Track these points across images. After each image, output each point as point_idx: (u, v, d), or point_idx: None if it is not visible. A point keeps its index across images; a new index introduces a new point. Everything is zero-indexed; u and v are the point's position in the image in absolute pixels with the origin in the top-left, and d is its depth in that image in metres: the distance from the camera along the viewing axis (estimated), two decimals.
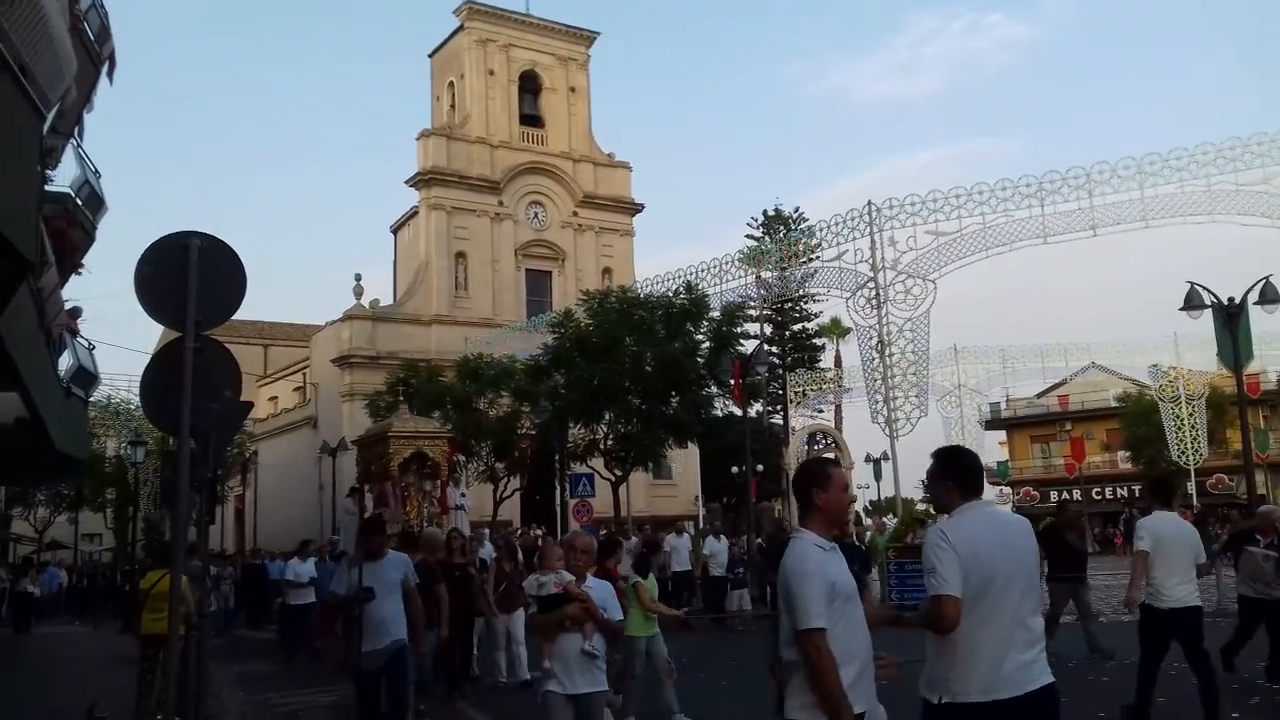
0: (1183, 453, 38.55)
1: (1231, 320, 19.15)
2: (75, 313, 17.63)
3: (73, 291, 18.60)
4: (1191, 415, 38.30)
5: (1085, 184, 22.84)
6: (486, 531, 20.40)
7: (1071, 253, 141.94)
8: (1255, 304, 19.40)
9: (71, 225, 15.89)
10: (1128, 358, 41.20)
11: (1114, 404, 52.89)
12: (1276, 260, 21.17)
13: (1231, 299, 19.17)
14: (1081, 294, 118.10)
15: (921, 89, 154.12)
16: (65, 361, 16.35)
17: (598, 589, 6.14)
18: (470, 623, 11.78)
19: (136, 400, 37.15)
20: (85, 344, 17.79)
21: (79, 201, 16.21)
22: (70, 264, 17.33)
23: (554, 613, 5.92)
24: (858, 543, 20.49)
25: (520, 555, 15.03)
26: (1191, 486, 39.08)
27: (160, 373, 6.72)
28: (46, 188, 14.79)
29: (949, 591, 3.95)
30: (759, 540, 23.52)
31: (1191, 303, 19.63)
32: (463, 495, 21.85)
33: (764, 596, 20.74)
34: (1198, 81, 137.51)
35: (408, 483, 19.76)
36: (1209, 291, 19.48)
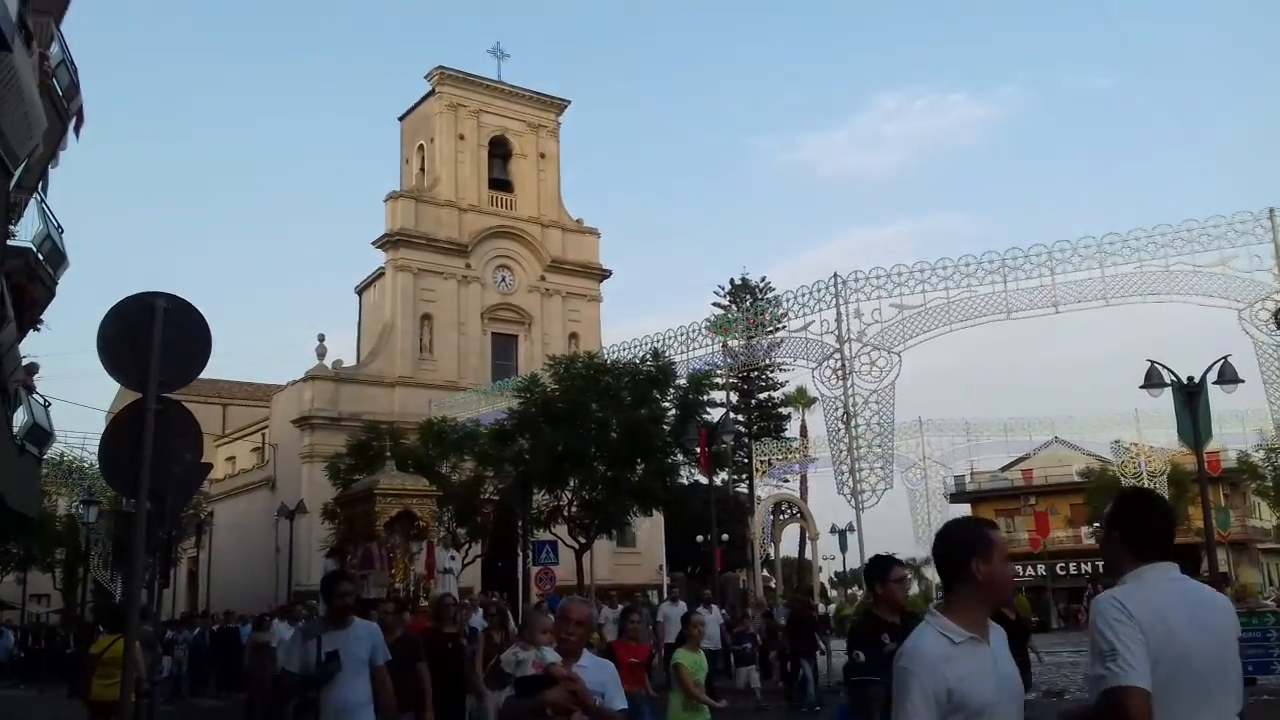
0: None
1: (1191, 399, 19.39)
2: (32, 369, 17.41)
3: (30, 347, 18.27)
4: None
5: (1047, 261, 23.17)
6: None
7: (1035, 328, 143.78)
8: (1214, 383, 19.68)
9: (32, 280, 15.73)
10: (1090, 433, 41.61)
11: (1077, 479, 53.23)
12: (1235, 340, 21.51)
13: (1191, 378, 19.43)
14: (1045, 369, 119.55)
15: (885, 164, 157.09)
16: (20, 418, 16.07)
17: (594, 670, 4.91)
18: (461, 703, 10.12)
19: (90, 458, 36.58)
20: (41, 400, 17.50)
21: (40, 256, 16.07)
22: (29, 319, 17.13)
23: (532, 698, 4.69)
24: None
25: (512, 624, 13.39)
26: None
27: (120, 435, 6.57)
28: (9, 242, 14.66)
29: (1136, 682, 2.92)
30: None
31: (1151, 381, 19.88)
32: (451, 558, 20.59)
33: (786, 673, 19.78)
34: (1156, 164, 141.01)
35: (393, 543, 18.63)
36: (1169, 370, 19.73)
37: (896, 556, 7.66)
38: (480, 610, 15.78)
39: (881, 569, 7.00)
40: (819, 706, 17.35)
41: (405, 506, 18.79)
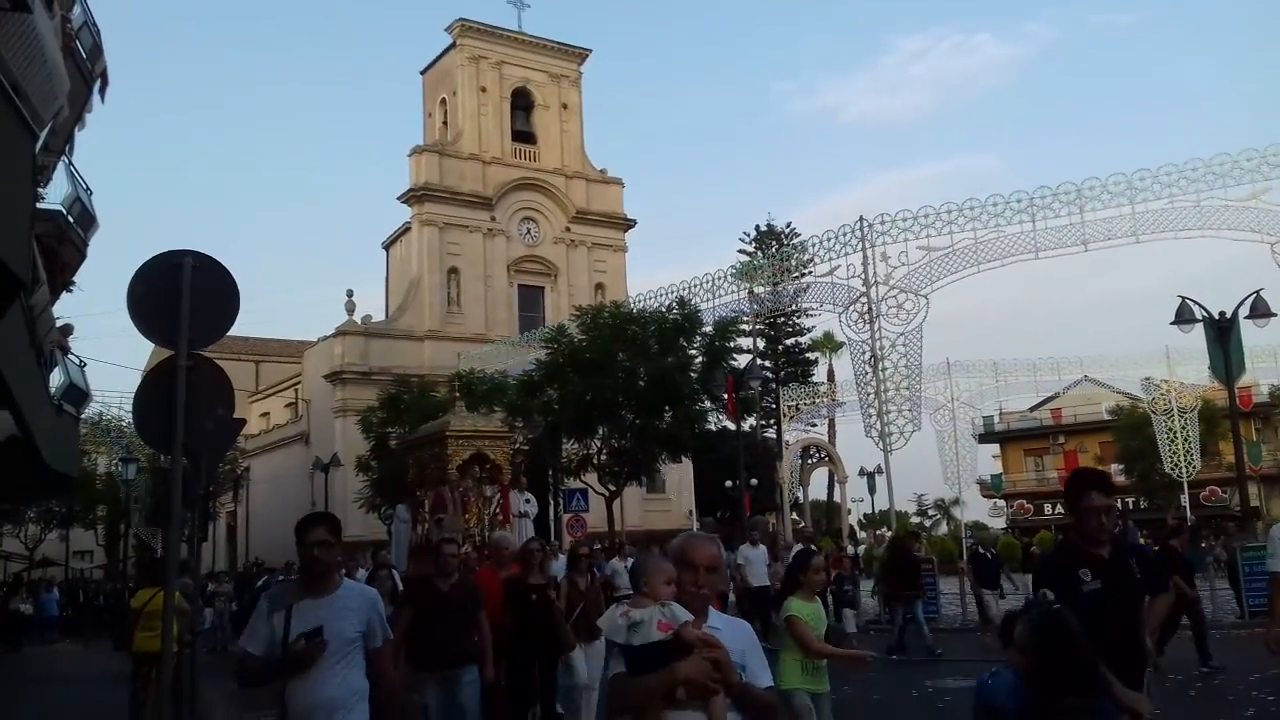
0: (1175, 465, 38.59)
1: (1223, 334, 19.26)
2: (67, 330, 17.65)
3: (64, 309, 18.54)
4: (1184, 428, 38.35)
5: (1076, 199, 22.91)
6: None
7: (1063, 267, 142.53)
8: (1246, 318, 19.51)
9: (63, 243, 15.93)
10: (1120, 371, 41.26)
11: (1107, 417, 53.00)
12: (1267, 274, 21.27)
13: (1223, 313, 19.26)
14: (1074, 307, 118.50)
15: (911, 107, 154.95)
16: (57, 379, 16.35)
17: (729, 634, 3.55)
18: (553, 661, 8.89)
19: (128, 417, 37.16)
20: (76, 361, 17.79)
21: (70, 219, 16.26)
22: (61, 281, 17.37)
23: (658, 673, 3.30)
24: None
25: (595, 571, 11.83)
26: (1185, 499, 39.16)
27: (153, 391, 6.70)
28: (38, 205, 14.82)
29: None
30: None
31: (1182, 317, 19.73)
32: (527, 501, 18.94)
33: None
34: (1185, 99, 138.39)
35: (466, 487, 17.44)
36: (1200, 306, 19.57)
37: (1103, 471, 5.70)
38: (561, 557, 14.53)
39: (1082, 485, 5.13)
40: (939, 652, 15.74)
41: (478, 448, 17.68)
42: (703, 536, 3.82)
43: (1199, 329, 19.93)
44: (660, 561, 3.61)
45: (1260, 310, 19.65)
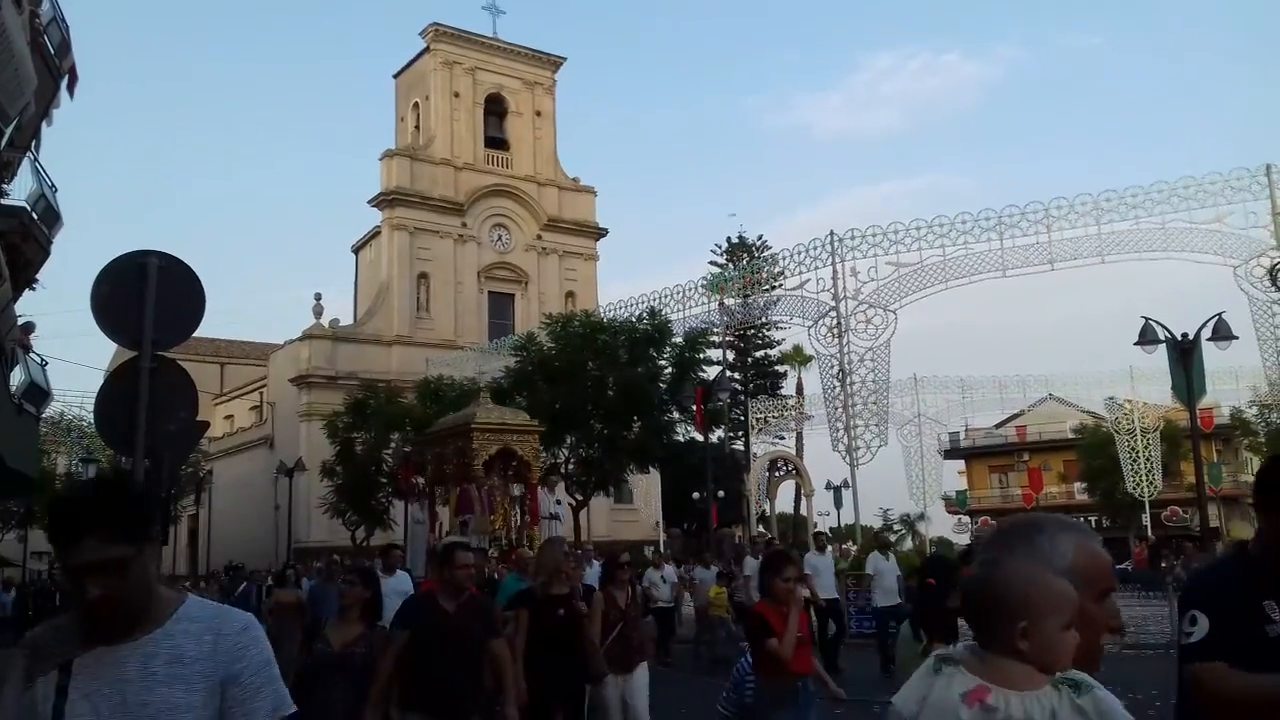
0: (1138, 485, 38.98)
1: (1185, 355, 19.42)
2: (29, 328, 17.42)
3: (26, 306, 18.28)
4: (1147, 448, 38.77)
5: (1043, 219, 23.16)
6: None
7: (1030, 286, 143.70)
8: (1208, 340, 19.72)
9: (27, 240, 15.70)
10: (1084, 390, 41.72)
11: (1071, 435, 53.46)
12: (1230, 297, 21.56)
13: (1185, 334, 19.45)
14: (1040, 326, 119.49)
15: (881, 124, 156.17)
16: (17, 377, 16.13)
17: None
18: (580, 690, 7.35)
19: (89, 417, 36.72)
20: (38, 360, 17.55)
21: (35, 216, 16.04)
22: (24, 279, 17.12)
23: None
24: None
25: (639, 585, 9.85)
26: (1146, 519, 39.56)
27: (115, 393, 6.60)
28: (2, 202, 14.63)
29: None
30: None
31: (1146, 338, 19.89)
32: (558, 503, 17.03)
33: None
34: (1152, 121, 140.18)
35: (492, 485, 16.07)
36: (1163, 327, 19.75)
37: None
38: (595, 564, 12.86)
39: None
40: None
41: (505, 443, 16.10)
42: (1085, 529, 2.00)
43: (1162, 350, 20.11)
44: (1054, 580, 1.82)
45: (1222, 333, 19.84)
